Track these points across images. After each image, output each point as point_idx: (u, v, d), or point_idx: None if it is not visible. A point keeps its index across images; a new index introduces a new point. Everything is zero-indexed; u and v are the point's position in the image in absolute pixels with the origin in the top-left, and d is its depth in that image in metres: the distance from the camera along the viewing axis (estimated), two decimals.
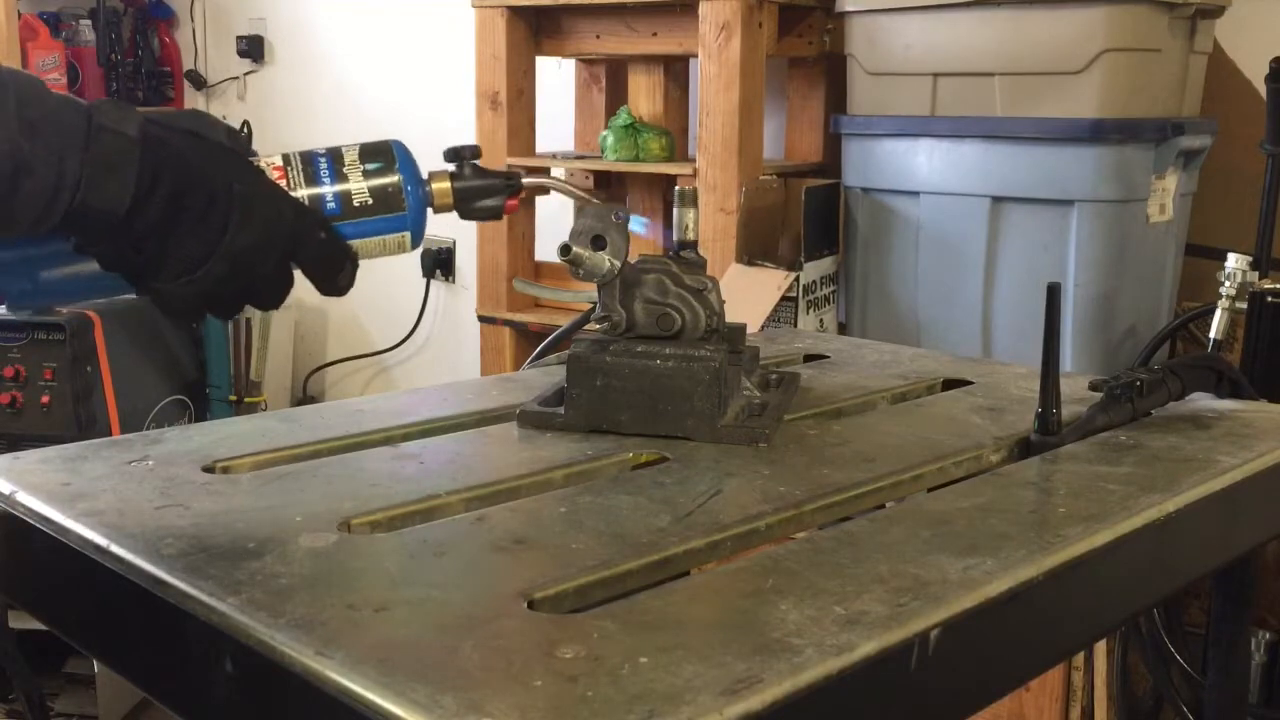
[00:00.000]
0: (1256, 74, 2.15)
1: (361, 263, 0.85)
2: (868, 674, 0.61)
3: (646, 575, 0.73)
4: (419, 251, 3.44)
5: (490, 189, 0.91)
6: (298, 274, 0.83)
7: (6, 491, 0.84)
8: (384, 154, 0.86)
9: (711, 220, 2.31)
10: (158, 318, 2.92)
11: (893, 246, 2.31)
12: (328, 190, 0.84)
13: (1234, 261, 2.00)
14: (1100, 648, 1.96)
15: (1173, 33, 2.10)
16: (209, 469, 0.90)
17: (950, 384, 1.22)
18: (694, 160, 2.40)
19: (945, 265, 2.23)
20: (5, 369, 2.66)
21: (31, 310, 2.72)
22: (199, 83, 3.92)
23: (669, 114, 2.61)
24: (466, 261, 3.23)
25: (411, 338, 3.51)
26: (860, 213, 2.36)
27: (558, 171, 2.67)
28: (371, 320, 3.63)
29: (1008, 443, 1.01)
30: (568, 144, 2.91)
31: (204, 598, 0.66)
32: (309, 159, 0.85)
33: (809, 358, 1.33)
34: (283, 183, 0.83)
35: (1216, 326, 2.01)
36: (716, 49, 2.30)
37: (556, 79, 2.90)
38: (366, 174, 0.85)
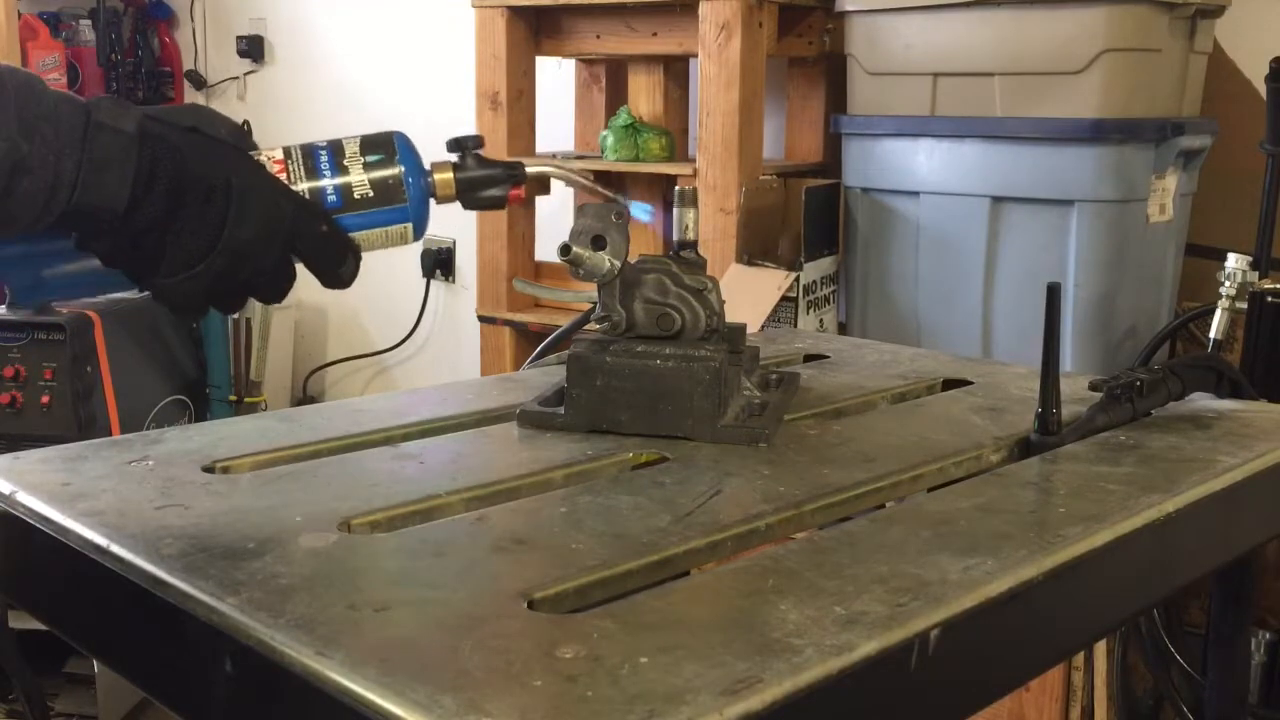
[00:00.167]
0: (1256, 74, 2.15)
1: (362, 263, 0.86)
2: (867, 674, 0.61)
3: (646, 575, 0.73)
4: (419, 252, 3.45)
5: (493, 178, 0.91)
6: (301, 269, 0.83)
7: (6, 491, 0.84)
8: (385, 146, 0.86)
9: (711, 220, 2.31)
10: (158, 317, 2.92)
11: (893, 246, 2.31)
12: (328, 183, 0.84)
13: (1234, 261, 2.00)
14: (1100, 648, 1.96)
15: (1173, 33, 2.10)
16: (209, 469, 0.90)
17: (950, 384, 1.22)
18: (694, 160, 2.40)
19: (945, 265, 2.23)
20: (5, 369, 2.66)
21: (34, 307, 2.71)
22: (199, 83, 3.92)
23: (669, 114, 2.61)
24: (466, 261, 3.23)
25: (411, 338, 3.51)
26: (860, 213, 2.35)
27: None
28: (371, 320, 3.63)
29: (1008, 443, 1.01)
30: (568, 144, 2.91)
31: (204, 598, 0.66)
32: (310, 152, 0.85)
33: (809, 358, 1.33)
34: (284, 176, 0.83)
35: (1216, 326, 2.01)
36: (716, 49, 2.30)
37: (556, 79, 2.90)
38: (367, 166, 0.85)
